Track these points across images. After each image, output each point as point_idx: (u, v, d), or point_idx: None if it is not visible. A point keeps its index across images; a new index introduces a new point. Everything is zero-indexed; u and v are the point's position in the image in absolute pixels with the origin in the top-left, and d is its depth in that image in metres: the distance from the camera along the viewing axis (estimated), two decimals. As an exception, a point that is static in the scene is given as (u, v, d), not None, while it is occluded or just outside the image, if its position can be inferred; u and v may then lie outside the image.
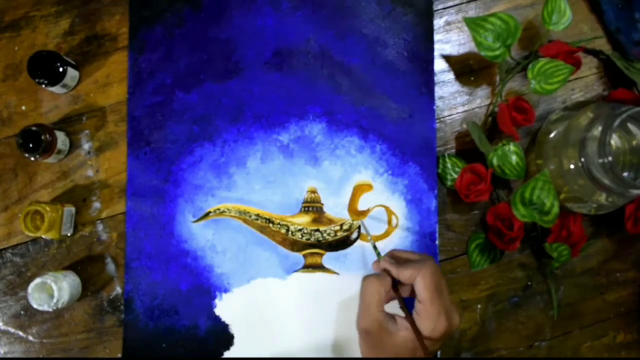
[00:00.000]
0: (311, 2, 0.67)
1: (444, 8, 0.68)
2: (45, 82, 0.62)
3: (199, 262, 0.64)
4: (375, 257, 0.60)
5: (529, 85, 0.62)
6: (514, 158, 0.62)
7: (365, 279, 0.55)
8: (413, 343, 0.51)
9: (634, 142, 0.59)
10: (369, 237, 0.63)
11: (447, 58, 0.68)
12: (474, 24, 0.61)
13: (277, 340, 0.64)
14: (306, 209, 0.65)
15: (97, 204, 0.65)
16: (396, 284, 0.56)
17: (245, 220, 0.64)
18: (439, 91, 0.67)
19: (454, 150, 0.67)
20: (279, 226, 0.64)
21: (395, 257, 0.58)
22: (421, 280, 0.52)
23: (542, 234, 0.64)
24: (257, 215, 0.64)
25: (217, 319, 0.64)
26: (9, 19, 0.67)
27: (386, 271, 0.56)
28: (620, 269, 0.67)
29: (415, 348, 0.51)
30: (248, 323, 0.64)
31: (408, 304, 0.54)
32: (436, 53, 0.67)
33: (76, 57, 0.67)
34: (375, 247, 0.60)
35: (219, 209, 0.65)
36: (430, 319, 0.51)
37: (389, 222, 0.65)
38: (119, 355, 0.64)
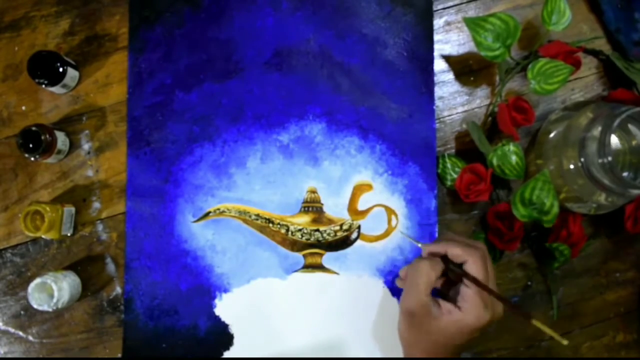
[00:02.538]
0: (311, 2, 0.67)
1: (444, 8, 0.68)
2: (45, 82, 0.62)
3: (198, 262, 0.64)
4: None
5: (528, 86, 0.62)
6: (513, 158, 0.62)
7: (418, 260, 0.53)
8: (454, 328, 0.50)
9: (634, 142, 0.59)
10: (402, 232, 0.63)
11: (446, 58, 0.68)
12: (473, 24, 0.61)
13: (277, 340, 0.64)
14: (306, 209, 0.65)
15: (97, 204, 0.65)
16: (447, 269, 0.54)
17: (245, 220, 0.64)
18: (438, 91, 0.67)
19: (453, 150, 0.67)
20: (278, 226, 0.64)
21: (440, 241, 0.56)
22: (473, 265, 0.50)
23: (542, 234, 0.64)
24: (257, 215, 0.64)
25: (217, 319, 0.64)
26: (9, 19, 0.67)
27: (434, 253, 0.54)
28: (620, 269, 0.67)
29: (455, 334, 0.50)
30: (248, 323, 0.64)
31: (434, 295, 0.53)
32: (436, 53, 0.67)
33: (76, 57, 0.67)
34: (412, 238, 0.60)
35: (218, 209, 0.65)
36: (477, 306, 0.49)
37: (389, 222, 0.65)
38: (119, 355, 0.64)
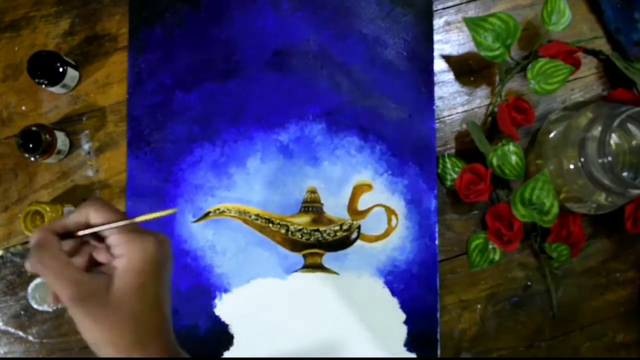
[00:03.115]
0: (311, 2, 0.67)
1: (444, 8, 0.68)
2: (45, 82, 0.62)
3: (198, 262, 0.64)
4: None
5: (528, 86, 0.62)
6: (513, 158, 0.62)
7: (30, 260, 0.40)
8: (134, 282, 0.40)
9: (634, 142, 0.59)
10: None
11: (446, 58, 0.68)
12: (473, 24, 0.61)
13: (277, 340, 0.64)
14: (306, 209, 0.65)
15: (97, 204, 0.65)
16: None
17: (245, 220, 0.64)
18: (438, 91, 0.67)
19: (453, 151, 0.67)
20: (278, 226, 0.64)
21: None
22: (97, 213, 0.41)
23: (542, 234, 0.64)
24: (257, 215, 0.64)
25: (217, 319, 0.64)
26: (9, 19, 0.67)
27: (46, 239, 0.41)
28: (619, 269, 0.67)
29: (138, 287, 0.40)
30: (248, 323, 0.64)
31: None
32: (436, 53, 0.67)
33: (76, 57, 0.67)
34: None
35: (218, 209, 0.65)
36: (135, 239, 0.41)
37: (389, 222, 0.65)
38: (119, 355, 0.64)
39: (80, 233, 0.41)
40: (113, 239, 0.41)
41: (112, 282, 0.39)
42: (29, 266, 0.40)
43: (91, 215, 0.41)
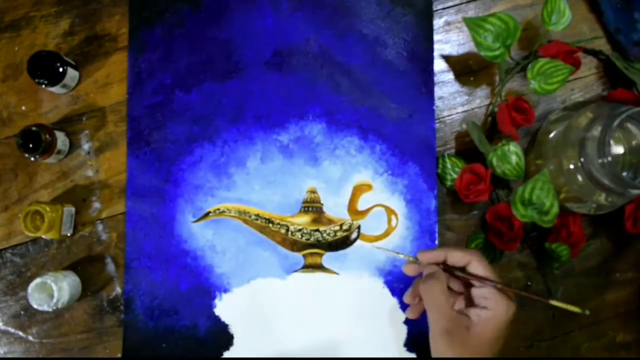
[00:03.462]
0: (311, 2, 0.67)
1: (444, 8, 0.68)
2: (45, 82, 0.62)
3: (198, 262, 0.64)
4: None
5: (528, 86, 0.62)
6: (513, 158, 0.62)
7: (422, 284, 0.51)
8: (489, 329, 0.49)
9: (634, 142, 0.59)
10: (392, 251, 0.61)
11: (446, 58, 0.68)
12: (473, 24, 0.61)
13: (277, 340, 0.64)
14: (306, 209, 0.65)
15: (97, 204, 0.65)
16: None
17: (245, 220, 0.64)
18: (438, 91, 0.67)
19: (453, 151, 0.67)
20: (278, 226, 0.64)
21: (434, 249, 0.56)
22: (478, 264, 0.50)
23: (542, 234, 0.64)
24: (257, 215, 0.64)
25: (217, 319, 0.64)
26: (9, 19, 0.67)
27: (432, 262, 0.52)
28: (619, 269, 0.67)
29: (492, 335, 0.49)
30: (248, 323, 0.64)
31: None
32: (436, 53, 0.67)
33: (76, 57, 0.67)
34: (399, 253, 0.57)
35: (218, 209, 0.65)
36: (501, 299, 0.49)
37: (389, 222, 0.65)
38: (119, 355, 0.64)
39: (466, 276, 0.51)
40: (484, 292, 0.50)
41: (473, 325, 0.49)
42: (418, 285, 0.52)
43: (473, 263, 0.50)
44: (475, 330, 0.49)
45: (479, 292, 0.50)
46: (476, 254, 0.51)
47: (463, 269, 0.51)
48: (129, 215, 0.65)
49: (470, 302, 0.51)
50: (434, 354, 0.51)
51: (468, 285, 0.51)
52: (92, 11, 0.67)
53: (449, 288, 0.52)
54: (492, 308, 0.49)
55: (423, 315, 0.53)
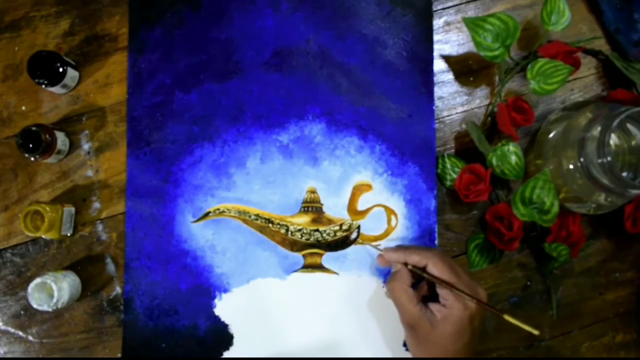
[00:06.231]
0: (311, 2, 0.67)
1: (443, 8, 0.68)
2: (45, 82, 0.63)
3: (198, 262, 0.64)
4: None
5: (528, 86, 0.62)
6: (513, 158, 0.62)
7: (387, 283, 0.58)
8: (450, 326, 0.53)
9: (633, 142, 0.59)
10: (368, 244, 0.65)
11: (446, 58, 0.68)
12: (473, 24, 0.61)
13: (277, 340, 0.64)
14: (306, 209, 0.65)
15: (97, 204, 0.65)
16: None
17: (244, 220, 0.64)
18: (438, 91, 0.67)
19: (453, 151, 0.67)
20: (278, 226, 0.64)
21: (399, 248, 0.60)
22: (433, 268, 0.55)
23: (542, 234, 0.64)
24: (257, 215, 0.64)
25: (217, 319, 0.64)
26: (9, 19, 0.67)
27: (394, 261, 0.59)
28: (619, 269, 0.67)
29: (454, 332, 0.53)
30: (248, 323, 0.64)
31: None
32: (435, 53, 0.67)
33: (76, 58, 0.67)
34: (376, 247, 0.63)
35: (218, 209, 0.65)
36: (459, 298, 0.53)
37: (389, 222, 0.65)
38: (119, 355, 0.64)
39: (426, 276, 0.56)
40: (443, 291, 0.55)
41: (436, 321, 0.54)
42: (386, 285, 0.60)
43: (429, 266, 0.55)
44: (437, 326, 0.54)
45: (440, 291, 0.55)
46: (434, 256, 0.55)
47: (424, 269, 0.56)
48: (128, 215, 0.65)
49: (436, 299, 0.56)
50: (408, 346, 0.58)
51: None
52: (92, 11, 0.67)
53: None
54: (449, 307, 0.54)
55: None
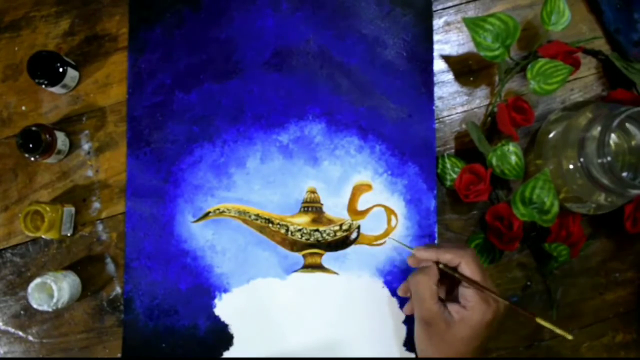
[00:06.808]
0: (311, 2, 0.67)
1: (443, 8, 0.68)
2: (45, 82, 0.63)
3: (198, 262, 0.64)
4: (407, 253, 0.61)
5: (528, 86, 0.62)
6: (513, 158, 0.62)
7: (413, 276, 0.55)
8: (466, 328, 0.52)
9: (633, 142, 0.59)
10: (393, 238, 0.64)
11: (446, 58, 0.68)
12: (473, 25, 0.61)
13: (277, 340, 0.64)
14: (306, 209, 0.65)
15: (97, 204, 0.65)
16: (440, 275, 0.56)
17: (244, 221, 0.64)
18: (438, 91, 0.67)
19: (453, 151, 0.67)
20: (278, 226, 0.64)
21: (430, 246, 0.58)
22: (466, 267, 0.53)
23: (542, 234, 0.64)
24: (257, 215, 0.64)
25: (217, 319, 0.64)
26: (9, 19, 0.67)
27: (426, 259, 0.56)
28: (619, 269, 0.67)
29: (469, 335, 0.52)
30: (248, 323, 0.64)
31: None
32: (435, 53, 0.67)
33: (76, 58, 0.67)
34: (404, 244, 0.62)
35: (218, 209, 0.65)
36: (479, 302, 0.52)
37: (389, 222, 0.65)
38: (119, 355, 0.64)
39: (457, 275, 0.53)
40: (468, 292, 0.53)
41: (452, 321, 0.52)
42: (410, 278, 0.56)
43: (462, 265, 0.53)
44: (453, 326, 0.52)
45: (463, 292, 0.53)
46: (468, 255, 0.53)
47: (455, 268, 0.54)
48: (128, 215, 0.65)
49: (456, 299, 0.54)
50: (415, 342, 0.56)
51: (458, 282, 0.54)
52: (92, 11, 0.67)
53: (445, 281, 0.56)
54: (469, 309, 0.52)
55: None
